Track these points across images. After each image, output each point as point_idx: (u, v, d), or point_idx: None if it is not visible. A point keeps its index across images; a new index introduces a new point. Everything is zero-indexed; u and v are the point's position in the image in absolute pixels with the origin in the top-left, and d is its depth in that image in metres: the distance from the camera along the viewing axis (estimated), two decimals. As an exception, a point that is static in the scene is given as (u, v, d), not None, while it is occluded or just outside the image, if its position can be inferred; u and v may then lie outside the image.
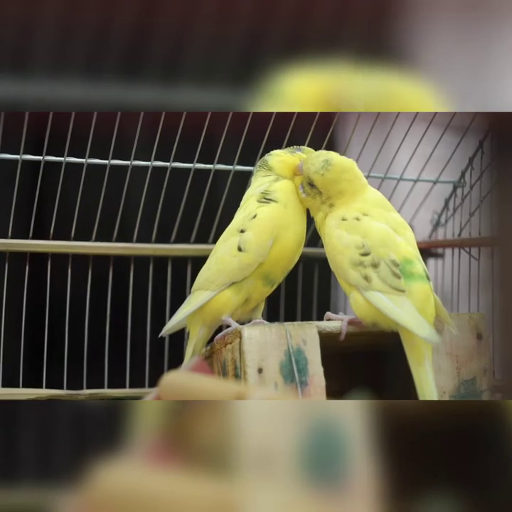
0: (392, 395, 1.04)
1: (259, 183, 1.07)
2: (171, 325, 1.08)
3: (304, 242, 1.06)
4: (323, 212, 1.02)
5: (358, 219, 0.99)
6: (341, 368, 1.05)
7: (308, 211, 1.06)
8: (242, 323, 1.02)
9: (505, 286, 1.05)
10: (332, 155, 1.02)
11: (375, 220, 0.99)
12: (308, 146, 1.12)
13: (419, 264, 0.98)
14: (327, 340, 0.97)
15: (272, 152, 1.08)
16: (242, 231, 1.03)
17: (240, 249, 1.03)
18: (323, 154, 1.03)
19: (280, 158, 1.07)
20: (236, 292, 1.03)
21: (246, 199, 1.07)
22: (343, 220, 1.00)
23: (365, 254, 0.98)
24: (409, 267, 0.97)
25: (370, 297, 0.96)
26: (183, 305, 1.08)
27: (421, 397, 0.94)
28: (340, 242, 0.99)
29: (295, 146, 1.08)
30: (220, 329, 1.06)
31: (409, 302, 0.95)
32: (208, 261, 1.07)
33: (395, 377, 1.05)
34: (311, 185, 1.02)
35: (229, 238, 1.05)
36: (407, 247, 0.98)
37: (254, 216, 1.03)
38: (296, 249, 1.04)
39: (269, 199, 1.04)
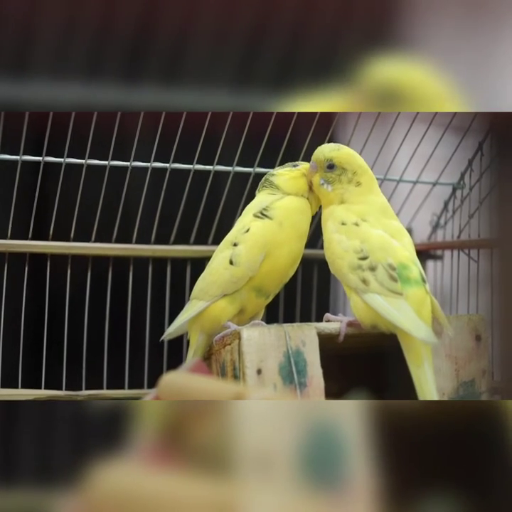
0: (391, 396, 1.04)
1: (261, 199, 1.07)
2: (171, 330, 1.08)
3: (300, 257, 1.06)
4: (346, 193, 1.02)
5: (357, 224, 1.00)
6: (340, 369, 1.05)
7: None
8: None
9: (504, 288, 1.05)
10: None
11: (373, 227, 1.00)
12: (308, 146, 1.12)
13: (415, 269, 0.98)
14: (326, 342, 0.97)
15: (274, 172, 1.08)
16: (235, 244, 1.04)
17: (231, 263, 1.03)
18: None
19: (286, 176, 1.07)
20: (230, 303, 1.04)
21: (245, 213, 1.08)
22: (343, 224, 1.01)
23: (363, 258, 0.98)
24: (405, 271, 0.98)
25: (368, 299, 0.97)
26: (182, 311, 1.08)
27: (421, 399, 0.94)
28: (339, 247, 1.00)
29: (291, 163, 1.08)
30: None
31: (406, 304, 0.96)
32: (205, 271, 1.08)
33: (394, 378, 1.05)
34: (331, 166, 1.02)
35: (224, 250, 1.05)
36: (403, 252, 0.99)
37: (247, 230, 1.04)
38: (290, 266, 1.05)
39: (265, 215, 1.04)
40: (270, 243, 1.03)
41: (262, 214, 1.04)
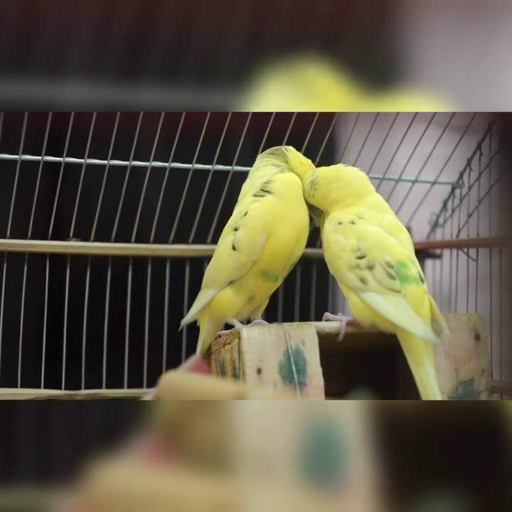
0: (391, 395, 1.04)
1: (262, 173, 1.07)
2: (187, 319, 1.08)
3: (307, 234, 1.05)
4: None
5: (353, 222, 1.01)
6: (340, 368, 1.05)
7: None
8: (242, 323, 1.03)
9: (503, 287, 1.06)
10: (317, 173, 1.06)
11: (370, 223, 1.00)
12: (308, 146, 1.13)
13: (413, 267, 0.98)
14: (326, 341, 0.98)
15: (289, 148, 1.09)
16: (235, 229, 1.03)
17: (234, 248, 1.03)
18: (309, 175, 1.06)
19: (300, 159, 1.08)
20: (237, 291, 1.03)
21: (245, 191, 1.07)
22: (340, 224, 1.01)
23: (361, 257, 0.98)
24: (403, 269, 0.98)
25: (367, 298, 0.97)
26: (196, 299, 1.08)
27: (424, 398, 0.94)
28: (337, 247, 1.00)
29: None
30: (228, 326, 1.05)
31: (404, 302, 0.96)
32: (212, 259, 1.08)
33: (394, 377, 1.05)
34: (313, 207, 1.06)
35: (226, 236, 1.05)
36: (401, 249, 0.99)
37: (246, 214, 1.03)
38: (295, 243, 1.03)
39: (266, 191, 1.04)
40: (270, 222, 1.02)
41: (263, 190, 1.04)
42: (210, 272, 1.06)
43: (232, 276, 1.03)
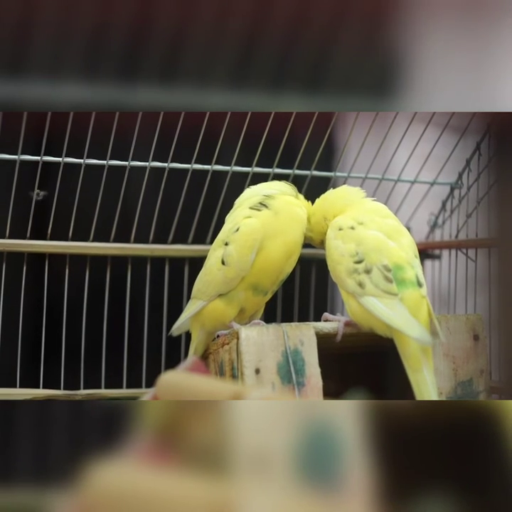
0: (389, 395, 1.05)
1: (272, 185, 1.07)
2: (175, 327, 1.09)
3: (298, 253, 1.05)
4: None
5: (352, 228, 1.01)
6: (339, 368, 1.05)
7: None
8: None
9: (502, 288, 1.06)
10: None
11: (369, 228, 1.00)
12: (307, 146, 1.13)
13: (410, 270, 0.98)
14: (324, 341, 0.98)
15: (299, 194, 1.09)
16: (226, 244, 1.03)
17: (223, 263, 1.03)
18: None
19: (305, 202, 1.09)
20: (227, 303, 1.04)
21: (242, 200, 1.07)
22: (340, 230, 1.01)
23: (359, 262, 0.98)
24: (400, 273, 0.97)
25: (364, 302, 0.97)
26: (185, 308, 1.09)
27: None
28: (337, 253, 1.00)
29: None
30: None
31: (401, 305, 0.96)
32: (202, 270, 1.08)
33: (392, 377, 1.05)
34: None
35: (217, 249, 1.05)
36: (399, 252, 0.99)
37: (237, 229, 1.03)
38: (285, 260, 1.03)
39: (263, 205, 1.03)
40: (261, 239, 1.02)
41: (261, 203, 1.04)
42: (199, 283, 1.07)
43: (221, 290, 1.04)
